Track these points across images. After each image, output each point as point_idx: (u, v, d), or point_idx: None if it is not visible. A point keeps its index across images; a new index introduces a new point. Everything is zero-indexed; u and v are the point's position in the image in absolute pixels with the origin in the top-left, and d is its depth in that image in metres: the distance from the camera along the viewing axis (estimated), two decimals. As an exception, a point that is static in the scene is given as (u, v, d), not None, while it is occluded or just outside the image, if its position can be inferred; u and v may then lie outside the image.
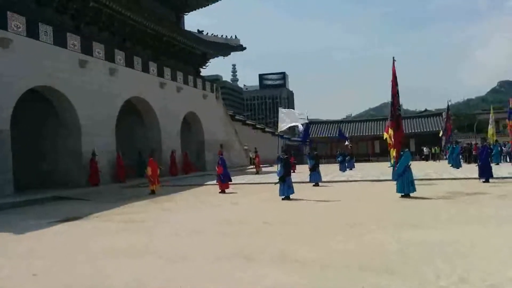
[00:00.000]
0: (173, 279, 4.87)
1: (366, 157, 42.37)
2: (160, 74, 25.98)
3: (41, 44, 17.38)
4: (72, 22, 20.40)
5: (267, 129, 55.53)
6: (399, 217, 8.54)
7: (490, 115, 29.68)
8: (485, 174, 14.83)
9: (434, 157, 38.03)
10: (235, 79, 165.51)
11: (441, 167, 24.10)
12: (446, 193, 11.97)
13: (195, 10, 33.66)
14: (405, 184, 11.39)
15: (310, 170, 16.68)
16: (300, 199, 11.95)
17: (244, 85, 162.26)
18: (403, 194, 11.42)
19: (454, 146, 25.38)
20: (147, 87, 24.32)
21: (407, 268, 4.89)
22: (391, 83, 12.26)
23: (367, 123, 48.68)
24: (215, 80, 42.80)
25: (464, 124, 73.58)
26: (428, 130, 43.16)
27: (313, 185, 16.06)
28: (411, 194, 11.34)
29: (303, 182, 16.44)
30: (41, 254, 6.48)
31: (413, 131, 44.03)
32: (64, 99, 18.76)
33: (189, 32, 29.60)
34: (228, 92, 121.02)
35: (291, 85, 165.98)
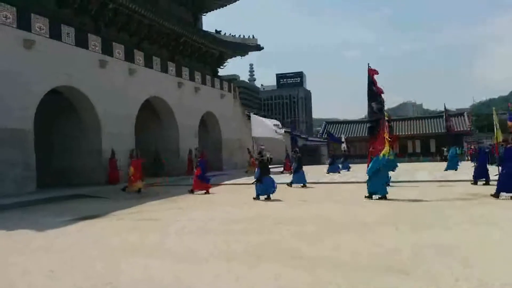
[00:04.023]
0: (184, 277, 4.94)
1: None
2: (178, 74, 26.27)
3: (63, 45, 17.82)
4: (91, 23, 20.82)
5: (284, 129, 55.39)
6: (411, 218, 8.43)
7: (494, 116, 29.05)
8: (482, 176, 14.43)
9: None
10: (252, 79, 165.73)
11: (459, 168, 23.54)
12: (461, 195, 11.74)
13: (212, 10, 33.91)
14: (377, 186, 11.46)
15: (293, 172, 16.75)
16: (306, 200, 11.90)
17: (262, 84, 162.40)
18: (367, 195, 11.51)
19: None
20: (165, 87, 24.63)
21: (422, 269, 4.83)
22: (375, 88, 12.39)
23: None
24: (232, 79, 42.89)
25: (485, 124, 71.91)
26: (456, 130, 42.21)
27: (287, 185, 16.11)
28: (378, 197, 11.34)
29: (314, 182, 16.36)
30: (59, 251, 6.65)
31: (433, 131, 43.26)
32: (84, 99, 19.19)
33: (207, 32, 29.81)
34: (245, 92, 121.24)
35: (309, 85, 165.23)
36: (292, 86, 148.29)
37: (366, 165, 12.54)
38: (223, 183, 19.20)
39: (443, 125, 43.19)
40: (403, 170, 21.37)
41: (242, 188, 16.92)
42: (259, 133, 14.07)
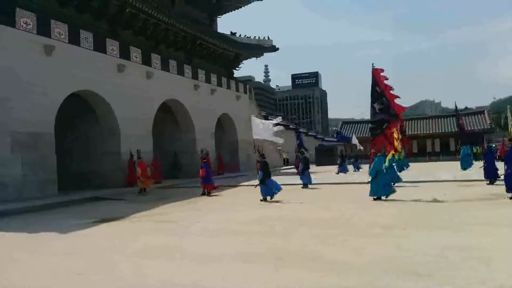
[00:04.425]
0: (203, 279, 4.95)
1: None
2: (194, 76, 26.43)
3: (82, 50, 18.11)
4: (109, 28, 21.11)
5: (300, 130, 55.22)
6: (431, 219, 8.25)
7: (508, 114, 28.51)
8: (491, 175, 14.21)
9: (475, 157, 36.40)
10: (267, 80, 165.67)
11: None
12: (484, 195, 11.45)
13: (227, 12, 34.00)
14: (378, 187, 11.38)
15: (300, 173, 16.80)
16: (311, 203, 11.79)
17: (277, 85, 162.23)
18: (375, 197, 11.38)
19: None
20: (182, 90, 24.82)
21: (447, 273, 4.72)
22: (380, 88, 12.29)
23: (405, 122, 47.24)
24: (247, 81, 42.97)
25: (506, 121, 70.10)
26: (470, 128, 41.34)
27: (302, 187, 16.14)
28: (384, 197, 11.29)
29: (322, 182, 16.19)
30: (82, 254, 6.75)
31: (452, 130, 42.41)
32: (103, 102, 19.47)
33: (222, 34, 29.90)
34: (261, 93, 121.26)
35: (324, 84, 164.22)
36: (307, 86, 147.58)
37: (368, 165, 12.48)
38: (240, 184, 19.21)
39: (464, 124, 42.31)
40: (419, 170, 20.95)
41: (258, 190, 16.87)
42: (260, 135, 14.04)
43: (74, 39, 17.76)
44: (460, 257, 5.37)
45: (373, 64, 12.64)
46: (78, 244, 7.56)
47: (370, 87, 12.68)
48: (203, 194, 15.07)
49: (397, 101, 12.62)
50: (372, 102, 12.52)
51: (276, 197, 12.71)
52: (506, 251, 5.61)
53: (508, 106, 34.31)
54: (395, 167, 14.70)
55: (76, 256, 6.56)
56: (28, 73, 15.56)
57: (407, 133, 43.35)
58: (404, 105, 13.35)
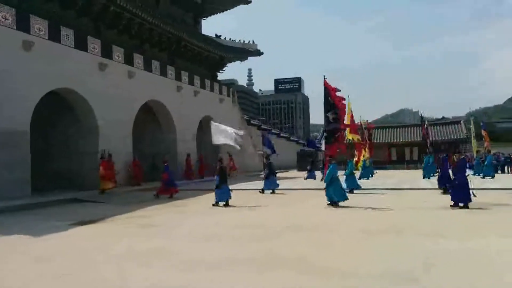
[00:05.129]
0: (189, 285, 4.83)
1: (382, 165, 41.75)
2: (178, 78, 26.18)
3: (62, 47, 17.68)
4: (92, 25, 20.70)
5: (282, 134, 55.45)
6: (421, 226, 8.33)
7: (471, 126, 30.18)
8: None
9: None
10: (250, 83, 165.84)
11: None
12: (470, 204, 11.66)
13: (213, 15, 33.91)
14: (333, 193, 11.70)
15: (265, 178, 16.82)
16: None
17: (260, 89, 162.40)
18: (329, 203, 11.71)
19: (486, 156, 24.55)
20: (164, 91, 24.53)
21: (433, 277, 4.73)
22: (332, 98, 13.11)
23: (385, 130, 47.99)
24: (231, 84, 42.88)
25: (479, 132, 72.15)
26: (446, 138, 42.33)
27: (259, 192, 16.32)
28: (339, 203, 11.62)
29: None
30: (62, 257, 6.50)
31: (431, 139, 43.23)
32: (83, 101, 19.03)
33: (207, 36, 29.77)
34: (244, 96, 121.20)
35: (307, 90, 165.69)
36: (290, 91, 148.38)
37: (323, 173, 12.97)
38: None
39: (441, 133, 43.27)
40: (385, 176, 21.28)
41: (241, 193, 16.80)
42: (221, 141, 14.06)
43: (54, 36, 17.33)
44: (451, 262, 5.41)
45: (324, 76, 13.58)
46: (57, 247, 7.30)
47: (323, 98, 13.52)
48: (156, 196, 15.28)
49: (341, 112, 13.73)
50: (325, 112, 13.27)
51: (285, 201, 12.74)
52: (500, 258, 5.67)
53: (471, 118, 36.01)
54: (355, 175, 15.40)
55: (55, 260, 6.31)
56: (5, 69, 15.05)
57: (387, 141, 44.18)
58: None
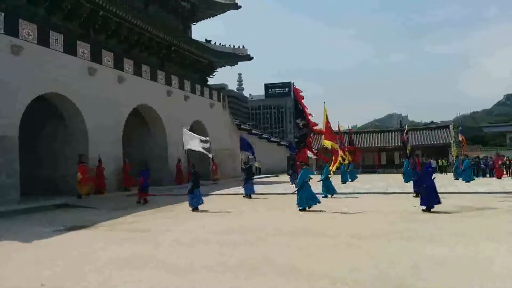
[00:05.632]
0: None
1: (372, 169, 42.13)
2: (168, 82, 26.13)
3: (51, 51, 17.56)
4: (80, 30, 20.61)
5: (272, 139, 55.62)
6: (409, 231, 8.44)
7: (452, 132, 31.11)
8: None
9: (442, 170, 37.68)
10: (240, 88, 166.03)
11: (448, 181, 23.88)
12: (455, 207, 11.84)
13: (203, 20, 33.94)
14: (305, 199, 11.86)
15: (244, 183, 17.05)
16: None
17: (250, 94, 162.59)
18: (301, 208, 11.84)
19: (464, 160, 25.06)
20: (154, 95, 24.46)
21: (419, 281, 4.81)
22: (301, 105, 13.55)
23: (373, 134, 48.45)
24: (221, 88, 42.86)
25: (469, 137, 73.14)
26: (435, 142, 42.85)
27: (244, 197, 16.56)
28: (308, 208, 11.81)
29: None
30: (48, 263, 6.47)
31: (419, 143, 43.78)
32: (71, 106, 18.89)
33: (196, 41, 29.78)
34: (234, 101, 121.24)
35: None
36: (280, 96, 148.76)
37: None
38: (212, 193, 19.03)
39: (429, 137, 43.81)
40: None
41: (231, 198, 16.83)
42: (192, 146, 14.28)
43: (43, 40, 17.21)
44: (437, 267, 5.49)
45: (293, 83, 14.79)
46: (44, 253, 7.24)
47: (293, 105, 14.04)
48: (139, 202, 15.32)
49: (311, 118, 14.05)
50: (296, 118, 13.62)
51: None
52: (487, 263, 5.77)
53: (452, 123, 37.13)
54: (330, 179, 15.63)
55: (41, 266, 6.27)
56: (-7, 73, 14.91)
57: (377, 145, 44.57)
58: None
